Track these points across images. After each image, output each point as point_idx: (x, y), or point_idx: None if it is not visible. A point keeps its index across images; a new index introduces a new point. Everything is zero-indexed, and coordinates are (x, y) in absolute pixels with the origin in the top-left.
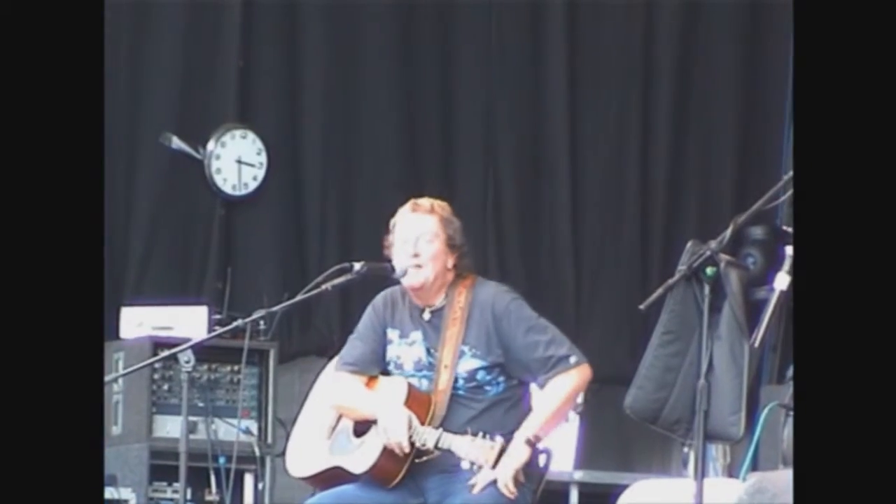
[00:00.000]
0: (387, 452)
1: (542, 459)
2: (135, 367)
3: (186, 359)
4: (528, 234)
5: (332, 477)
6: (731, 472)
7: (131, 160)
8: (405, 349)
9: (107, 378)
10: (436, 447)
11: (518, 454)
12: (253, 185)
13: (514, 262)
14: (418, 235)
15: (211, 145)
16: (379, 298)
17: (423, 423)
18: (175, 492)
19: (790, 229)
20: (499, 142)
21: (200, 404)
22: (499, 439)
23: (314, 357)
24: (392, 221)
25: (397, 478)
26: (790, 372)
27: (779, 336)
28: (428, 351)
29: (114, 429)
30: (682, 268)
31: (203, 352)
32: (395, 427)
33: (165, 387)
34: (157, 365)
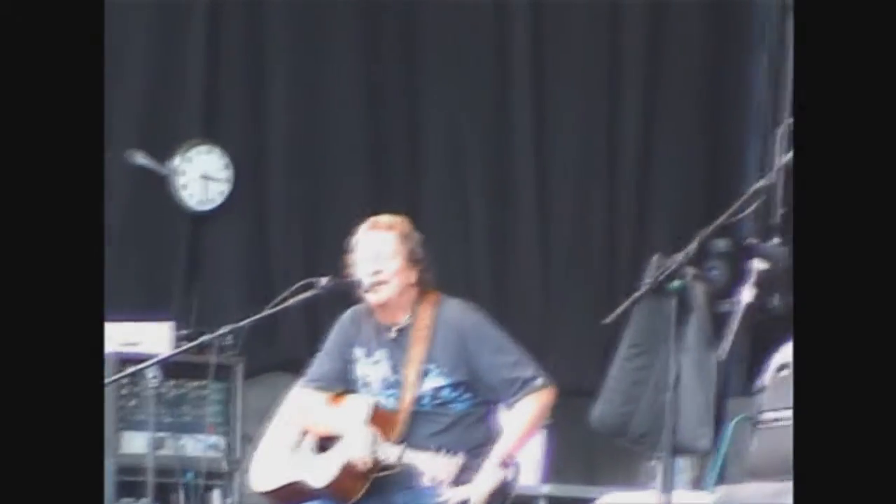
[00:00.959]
0: (347, 468)
1: (509, 473)
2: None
3: (153, 375)
4: (495, 248)
5: (294, 493)
6: (698, 485)
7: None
8: (371, 368)
9: None
10: (398, 462)
11: (491, 476)
12: (219, 200)
13: (480, 275)
14: (379, 253)
15: (176, 161)
16: (346, 315)
17: (388, 440)
18: None
19: (755, 242)
20: (466, 159)
21: (167, 420)
22: (460, 455)
23: (281, 373)
24: (353, 240)
25: (358, 494)
26: (757, 384)
27: (745, 348)
28: (394, 369)
29: None
30: (648, 281)
31: (170, 367)
32: (357, 444)
33: (132, 403)
34: (123, 381)
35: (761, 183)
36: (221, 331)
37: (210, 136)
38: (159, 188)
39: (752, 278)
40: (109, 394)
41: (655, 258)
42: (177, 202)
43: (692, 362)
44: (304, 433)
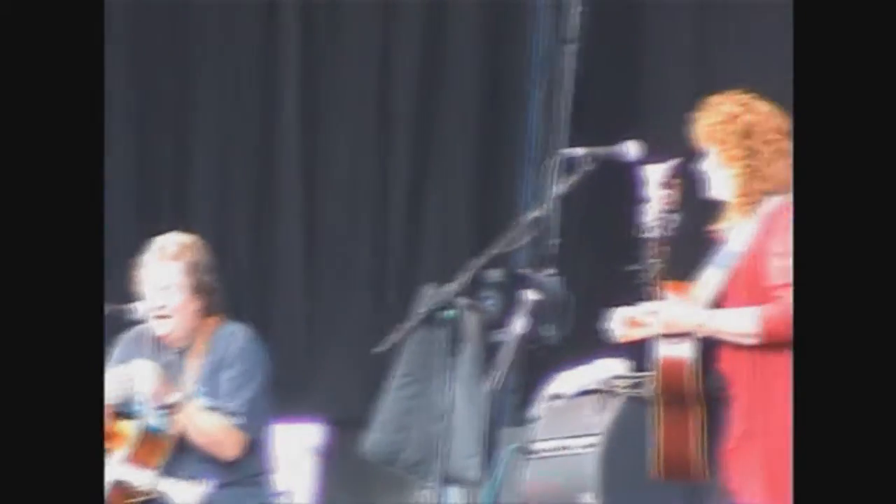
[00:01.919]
0: (116, 490)
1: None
2: None
3: None
4: (262, 274)
5: None
6: None
7: None
8: (147, 387)
9: None
10: (152, 490)
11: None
12: None
13: (244, 301)
14: (164, 286)
15: None
16: (130, 334)
17: (154, 464)
18: None
19: (529, 272)
20: (234, 180)
21: None
22: (205, 482)
23: None
24: (141, 260)
25: None
26: (530, 414)
27: (518, 379)
28: (169, 390)
29: None
30: (421, 311)
31: None
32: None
33: None
34: None
35: (535, 213)
36: None
37: None
38: None
39: (526, 308)
40: None
41: (428, 288)
42: None
43: (465, 392)
44: None
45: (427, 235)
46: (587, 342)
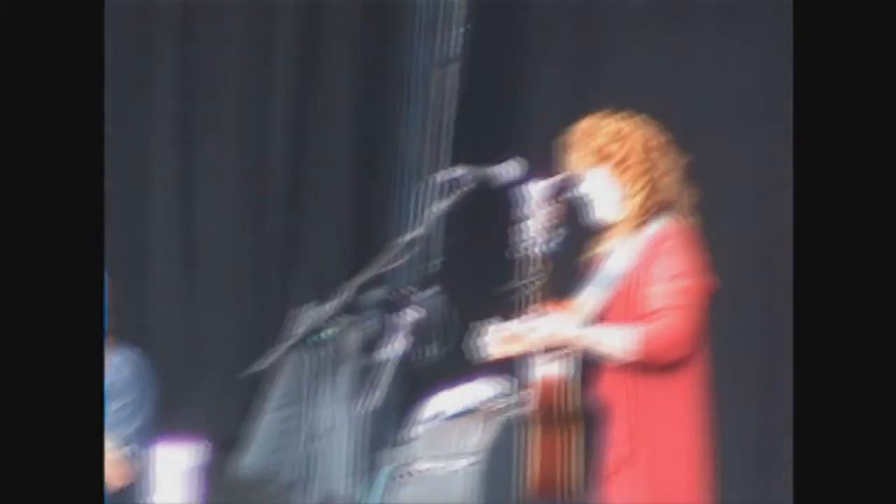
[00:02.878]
0: None
1: None
2: None
3: None
4: (138, 288)
5: None
6: None
7: None
8: None
9: None
10: None
11: None
12: None
13: (122, 320)
14: None
15: None
16: None
17: None
18: None
19: (410, 291)
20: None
21: None
22: None
23: None
24: None
25: None
26: (409, 434)
27: (398, 398)
28: None
29: None
30: (299, 330)
31: None
32: None
33: None
34: None
35: (416, 232)
36: None
37: None
38: None
39: (407, 328)
40: None
41: (306, 308)
42: None
43: (343, 411)
44: None
45: (303, 255)
46: (468, 361)
